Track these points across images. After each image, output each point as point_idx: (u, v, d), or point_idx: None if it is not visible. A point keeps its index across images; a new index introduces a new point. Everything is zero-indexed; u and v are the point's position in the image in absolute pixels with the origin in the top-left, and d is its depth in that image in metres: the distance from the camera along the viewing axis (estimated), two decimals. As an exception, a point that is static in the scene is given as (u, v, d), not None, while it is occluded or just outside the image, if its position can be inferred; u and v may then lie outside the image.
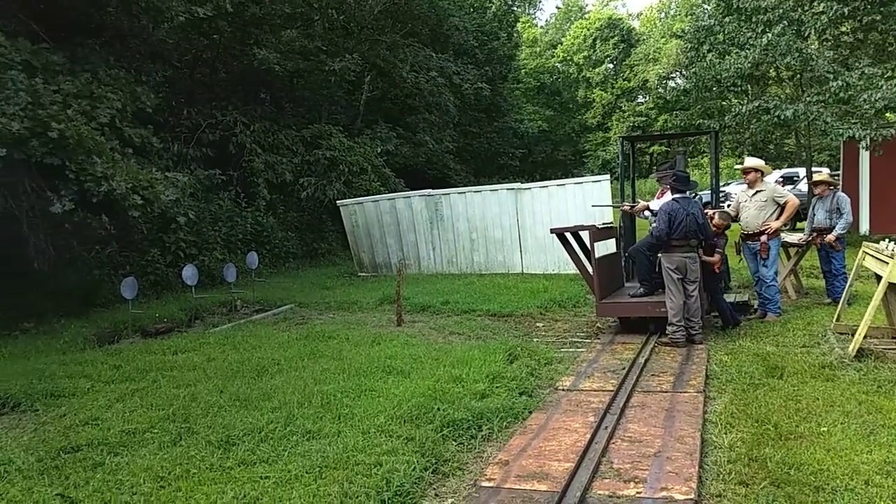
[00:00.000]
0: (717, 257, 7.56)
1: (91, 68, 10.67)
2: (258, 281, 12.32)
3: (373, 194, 16.05)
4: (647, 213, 8.87)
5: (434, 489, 3.92)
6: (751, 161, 8.38)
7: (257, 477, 3.94)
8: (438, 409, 4.93)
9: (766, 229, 7.99)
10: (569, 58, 50.71)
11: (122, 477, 4.01)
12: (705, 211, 7.96)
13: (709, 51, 16.94)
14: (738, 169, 8.84)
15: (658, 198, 8.73)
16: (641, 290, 7.77)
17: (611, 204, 11.53)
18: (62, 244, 10.21)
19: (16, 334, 8.81)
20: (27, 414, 5.59)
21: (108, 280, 11.05)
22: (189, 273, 10.50)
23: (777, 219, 8.05)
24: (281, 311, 10.43)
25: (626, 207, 9.19)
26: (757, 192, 8.18)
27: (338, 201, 15.50)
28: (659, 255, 7.45)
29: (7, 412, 5.70)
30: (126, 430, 4.82)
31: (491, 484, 3.89)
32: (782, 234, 8.72)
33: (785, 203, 8.06)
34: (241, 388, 5.76)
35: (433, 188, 14.93)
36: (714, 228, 7.81)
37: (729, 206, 9.07)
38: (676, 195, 7.30)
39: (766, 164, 8.73)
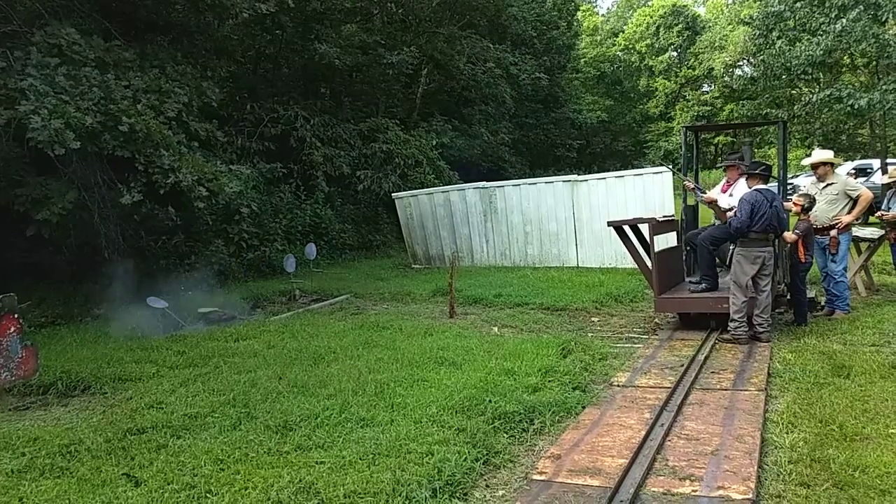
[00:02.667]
0: (792, 236, 7.24)
1: (159, 64, 11.05)
2: (316, 271, 12.59)
3: (427, 187, 16.13)
4: (704, 195, 8.44)
5: (485, 480, 3.93)
6: (819, 154, 8.01)
7: (313, 462, 4.03)
8: (490, 401, 4.93)
9: (836, 224, 7.65)
10: (631, 46, 49.55)
11: (184, 459, 4.16)
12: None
13: (778, 37, 16.33)
14: (805, 164, 8.40)
15: (723, 190, 8.40)
16: (703, 284, 7.56)
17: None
18: (131, 234, 10.64)
19: (87, 320, 9.24)
20: (96, 396, 5.87)
21: (174, 269, 11.46)
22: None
23: (849, 213, 7.69)
24: (337, 301, 10.62)
25: (688, 184, 8.66)
26: (828, 185, 7.82)
27: (393, 194, 15.65)
28: (732, 246, 7.18)
29: (78, 394, 6.00)
30: (188, 414, 5.00)
31: (542, 477, 3.87)
32: (854, 229, 8.33)
33: (858, 196, 7.69)
34: (299, 375, 5.89)
35: (487, 181, 14.90)
36: (794, 206, 7.47)
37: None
38: (759, 186, 7.01)
39: (835, 155, 8.33)
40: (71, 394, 6.01)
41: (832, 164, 7.99)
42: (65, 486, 3.87)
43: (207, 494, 3.70)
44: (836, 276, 7.72)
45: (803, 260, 7.34)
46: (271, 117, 15.75)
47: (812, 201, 7.59)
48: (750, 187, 7.06)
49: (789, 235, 7.23)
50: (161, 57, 11.34)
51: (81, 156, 8.75)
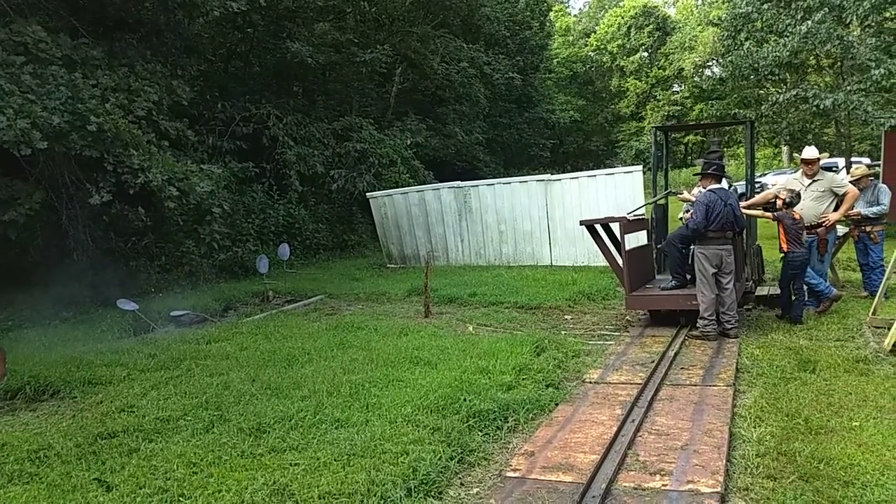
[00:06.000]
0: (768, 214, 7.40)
1: (128, 62, 10.90)
2: (290, 272, 12.49)
3: (402, 186, 16.12)
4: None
5: (459, 478, 3.96)
6: (813, 151, 8.01)
7: (287, 464, 4.02)
8: (465, 399, 4.96)
9: (823, 221, 7.74)
10: (602, 46, 50.06)
11: (156, 463, 4.13)
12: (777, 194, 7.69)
13: (746, 38, 16.62)
14: (803, 160, 8.42)
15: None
16: (672, 282, 7.68)
17: (653, 200, 9.77)
18: (100, 235, 10.48)
19: (55, 323, 9.08)
20: (66, 401, 5.78)
21: (145, 271, 11.30)
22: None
23: (835, 210, 7.79)
24: (311, 301, 10.57)
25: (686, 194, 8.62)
26: (813, 182, 7.87)
27: (367, 193, 15.61)
28: (693, 246, 7.33)
29: (47, 399, 5.90)
30: (160, 418, 4.96)
31: (516, 474, 3.91)
32: None
33: (844, 194, 7.77)
34: (272, 377, 5.87)
35: (462, 180, 14.94)
36: (778, 200, 7.45)
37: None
38: (713, 186, 7.16)
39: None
40: (39, 398, 5.91)
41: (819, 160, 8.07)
42: (34, 492, 3.81)
43: (180, 498, 3.68)
44: (820, 275, 7.81)
45: (786, 249, 7.39)
46: (243, 116, 15.61)
47: (797, 197, 7.54)
48: (705, 187, 7.21)
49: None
50: (130, 55, 11.18)
51: (49, 156, 8.61)
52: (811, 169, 7.96)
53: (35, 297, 9.56)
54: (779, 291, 8.24)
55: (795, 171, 8.43)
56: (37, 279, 9.88)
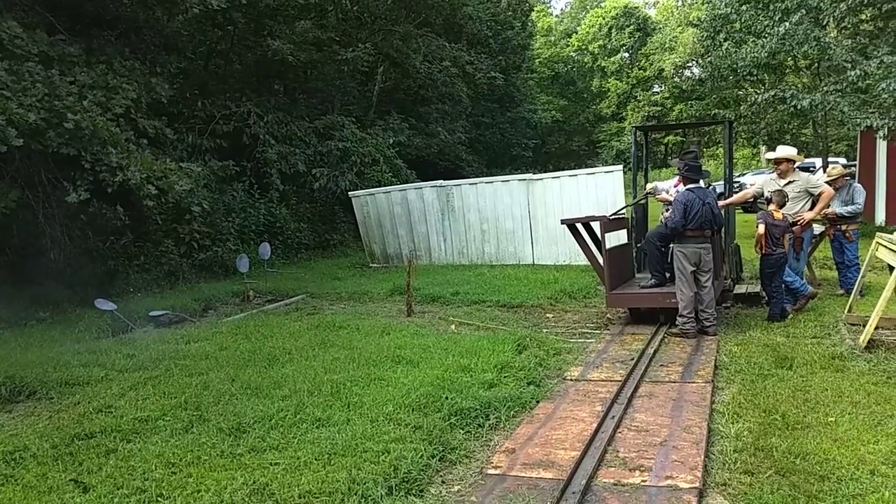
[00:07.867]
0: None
1: (106, 59, 10.76)
2: (271, 271, 12.41)
3: (384, 185, 16.08)
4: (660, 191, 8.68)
5: (441, 476, 3.96)
6: (783, 150, 8.10)
7: (267, 463, 4.00)
8: (446, 398, 4.97)
9: (798, 220, 7.83)
10: (584, 47, 50.33)
11: (134, 463, 4.09)
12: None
13: (725, 39, 16.76)
14: (769, 158, 8.55)
15: (675, 185, 8.62)
16: (652, 280, 7.74)
17: (634, 202, 9.72)
18: (77, 234, 10.34)
19: (32, 324, 8.95)
20: (42, 402, 5.69)
21: (123, 270, 11.17)
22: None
23: (810, 209, 7.88)
24: (293, 301, 10.51)
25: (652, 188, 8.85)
26: (789, 182, 7.95)
27: (350, 192, 15.55)
28: (672, 245, 7.40)
29: (23, 400, 5.80)
30: (139, 418, 4.91)
31: (497, 471, 3.92)
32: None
33: (819, 194, 7.86)
34: (253, 377, 5.83)
35: (445, 179, 14.94)
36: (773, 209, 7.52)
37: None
38: (691, 185, 7.23)
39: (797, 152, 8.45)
40: (15, 399, 5.81)
41: (793, 161, 8.13)
42: (9, 494, 3.76)
43: (158, 498, 3.65)
44: (796, 273, 7.90)
45: (763, 251, 7.44)
46: (223, 114, 15.46)
47: (782, 196, 7.61)
48: (685, 187, 7.29)
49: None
50: (108, 52, 11.04)
51: (24, 153, 8.48)
52: (780, 168, 8.06)
53: (11, 297, 9.39)
54: (758, 290, 8.36)
55: (772, 172, 8.55)
56: (13, 278, 9.72)
